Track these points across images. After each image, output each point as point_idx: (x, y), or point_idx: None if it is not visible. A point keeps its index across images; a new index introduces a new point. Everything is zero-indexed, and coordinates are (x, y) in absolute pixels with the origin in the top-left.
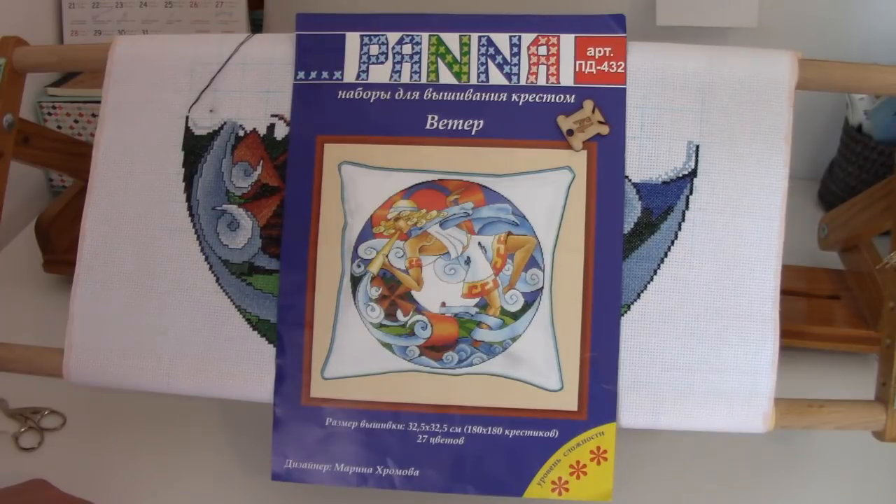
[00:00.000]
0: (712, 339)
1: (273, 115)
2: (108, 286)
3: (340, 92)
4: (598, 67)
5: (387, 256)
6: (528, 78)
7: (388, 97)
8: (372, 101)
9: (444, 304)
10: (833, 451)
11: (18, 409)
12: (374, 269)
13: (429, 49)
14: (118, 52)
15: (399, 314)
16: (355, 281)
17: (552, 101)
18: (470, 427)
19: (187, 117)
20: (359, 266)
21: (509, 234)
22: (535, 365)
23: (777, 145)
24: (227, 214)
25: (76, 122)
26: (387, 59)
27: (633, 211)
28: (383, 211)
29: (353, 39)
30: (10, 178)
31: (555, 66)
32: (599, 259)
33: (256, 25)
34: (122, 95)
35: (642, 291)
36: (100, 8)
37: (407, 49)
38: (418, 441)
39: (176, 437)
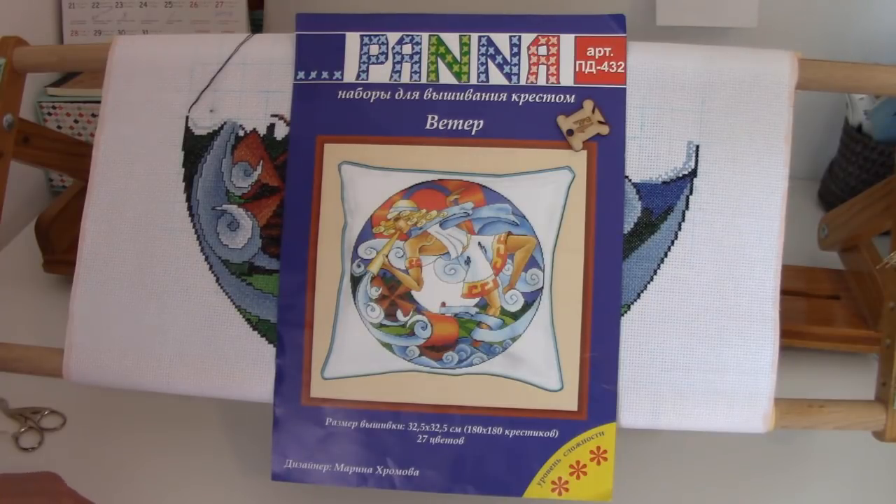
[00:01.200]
0: (712, 339)
1: (273, 115)
2: (108, 286)
3: (340, 92)
4: (598, 67)
5: (387, 256)
6: (528, 78)
7: (388, 97)
8: (372, 101)
9: (444, 304)
10: (833, 451)
11: (18, 409)
12: (374, 269)
13: (429, 49)
14: (118, 52)
15: (399, 314)
16: (355, 281)
17: (552, 101)
18: (470, 427)
19: (187, 117)
20: (359, 266)
21: (509, 234)
22: (535, 365)
23: (777, 145)
24: (227, 214)
25: (76, 122)
26: (387, 59)
27: (633, 211)
28: (383, 211)
29: (353, 39)
30: (10, 178)
31: (555, 66)
32: (599, 259)
33: (256, 25)
34: (122, 95)
35: (642, 291)
36: (100, 8)
37: (407, 49)
38: (418, 441)
39: (176, 437)
